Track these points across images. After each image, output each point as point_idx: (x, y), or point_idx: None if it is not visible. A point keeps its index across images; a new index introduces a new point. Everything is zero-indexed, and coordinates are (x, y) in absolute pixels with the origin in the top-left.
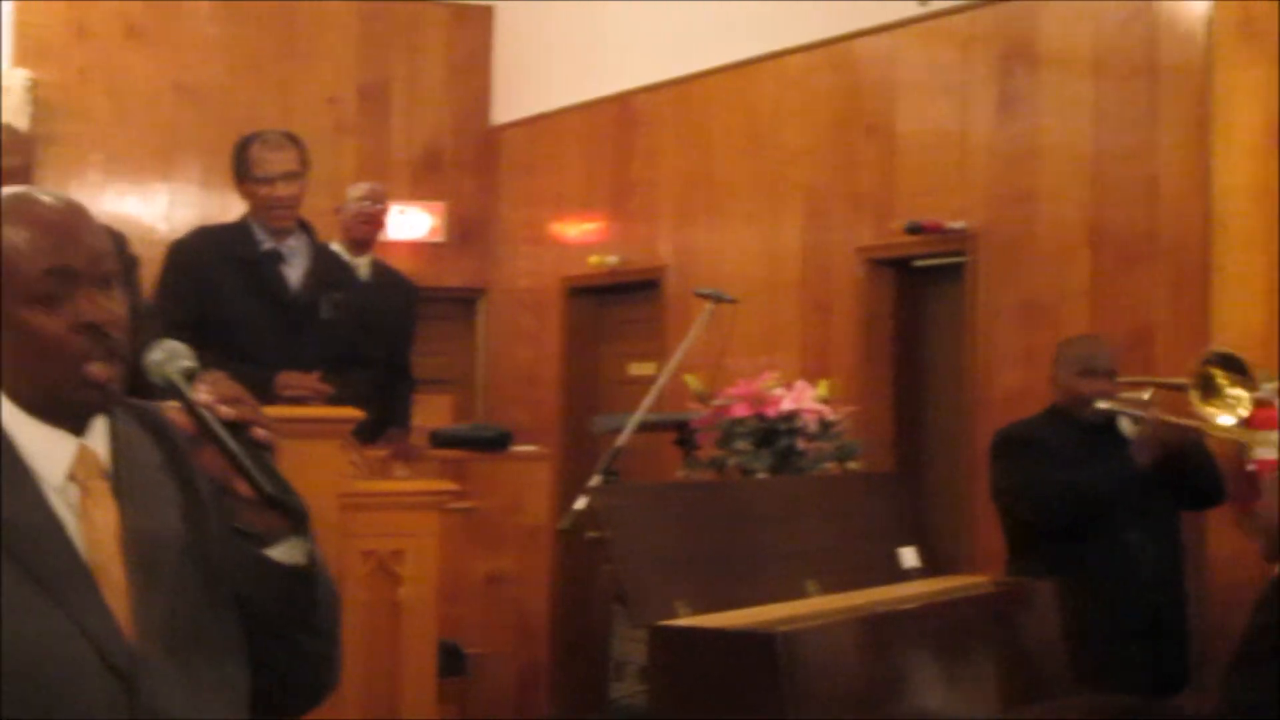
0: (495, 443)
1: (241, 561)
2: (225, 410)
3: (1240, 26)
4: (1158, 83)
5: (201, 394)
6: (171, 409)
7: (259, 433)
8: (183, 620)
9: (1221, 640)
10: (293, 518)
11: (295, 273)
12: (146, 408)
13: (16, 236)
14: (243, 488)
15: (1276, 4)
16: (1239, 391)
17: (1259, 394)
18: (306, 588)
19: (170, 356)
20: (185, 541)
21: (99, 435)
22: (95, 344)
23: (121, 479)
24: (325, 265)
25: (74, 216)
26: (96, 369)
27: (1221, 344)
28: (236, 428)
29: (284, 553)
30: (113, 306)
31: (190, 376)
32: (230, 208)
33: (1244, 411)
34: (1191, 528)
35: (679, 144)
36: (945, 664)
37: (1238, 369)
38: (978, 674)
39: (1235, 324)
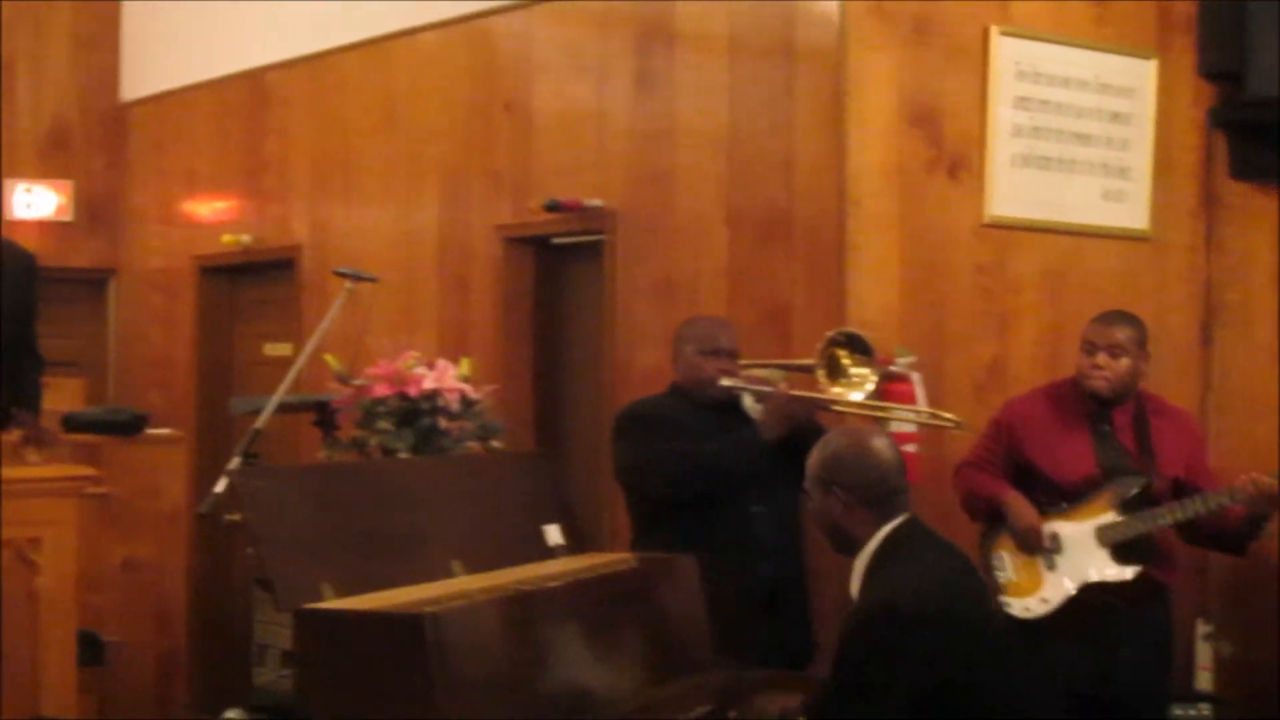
0: (129, 426)
1: None
2: None
3: (872, 9)
4: (793, 63)
5: None
6: None
7: None
8: None
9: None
10: None
11: None
12: None
13: None
14: None
15: None
16: (862, 370)
17: (894, 368)
18: None
19: None
20: None
21: None
22: None
23: None
24: None
25: None
26: None
27: (846, 324)
28: None
29: None
30: None
31: None
32: None
33: (870, 387)
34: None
35: (313, 122)
36: (593, 640)
37: (860, 348)
38: (625, 650)
39: (870, 302)
